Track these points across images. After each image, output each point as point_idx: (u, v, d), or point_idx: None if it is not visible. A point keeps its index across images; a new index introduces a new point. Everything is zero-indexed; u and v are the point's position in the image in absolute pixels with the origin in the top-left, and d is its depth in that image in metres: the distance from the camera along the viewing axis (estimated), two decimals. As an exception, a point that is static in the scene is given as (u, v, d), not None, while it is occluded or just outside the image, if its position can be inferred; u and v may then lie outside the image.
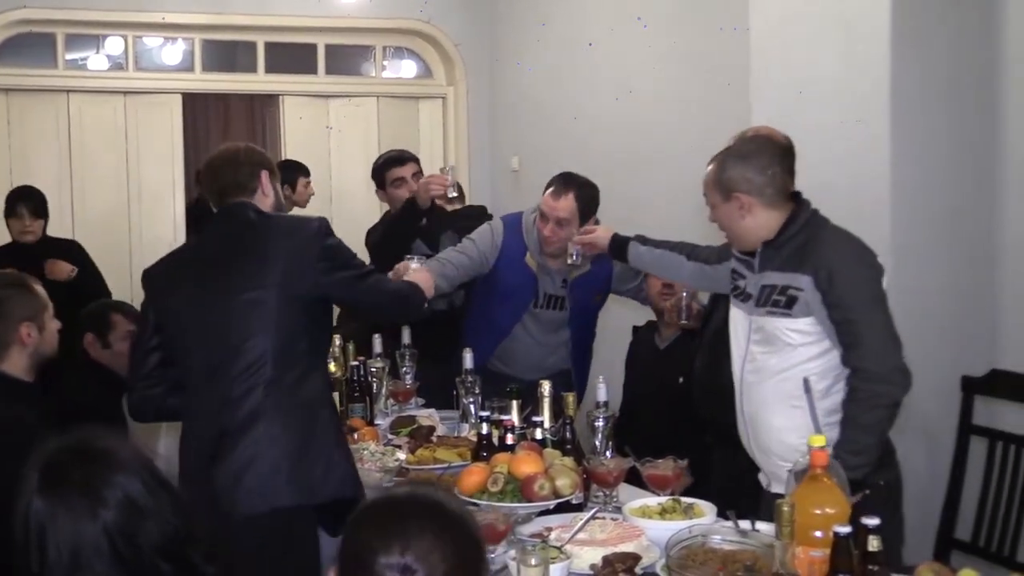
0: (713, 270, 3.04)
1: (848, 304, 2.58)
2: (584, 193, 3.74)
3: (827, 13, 3.87)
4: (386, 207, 4.69)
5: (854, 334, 2.58)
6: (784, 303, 2.65)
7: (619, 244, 3.27)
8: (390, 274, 3.27)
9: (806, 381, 2.64)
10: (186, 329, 2.74)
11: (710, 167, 2.77)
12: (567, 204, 3.69)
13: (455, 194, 4.11)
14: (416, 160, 4.62)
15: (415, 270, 3.29)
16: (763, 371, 2.73)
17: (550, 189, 3.75)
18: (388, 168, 4.53)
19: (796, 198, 2.75)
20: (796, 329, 2.64)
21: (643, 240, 3.23)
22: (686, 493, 2.70)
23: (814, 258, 2.62)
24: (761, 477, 2.87)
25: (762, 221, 2.71)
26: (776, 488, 2.76)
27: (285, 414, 2.61)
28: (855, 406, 2.59)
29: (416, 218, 4.15)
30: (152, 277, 2.86)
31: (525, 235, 3.86)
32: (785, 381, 2.68)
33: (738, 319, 2.82)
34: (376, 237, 4.46)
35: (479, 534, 1.59)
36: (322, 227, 2.70)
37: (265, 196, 2.81)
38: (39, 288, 3.20)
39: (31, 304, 3.13)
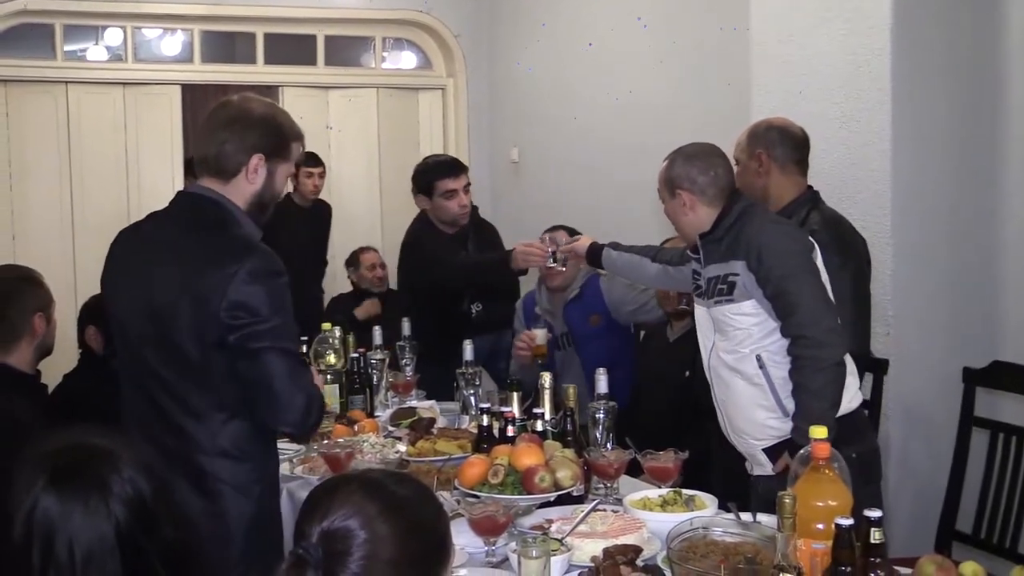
0: (676, 271, 3.18)
1: (777, 277, 2.72)
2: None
3: (828, 7, 3.87)
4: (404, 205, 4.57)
5: (787, 305, 2.71)
6: (726, 290, 2.80)
7: (595, 251, 3.49)
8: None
9: (759, 358, 2.77)
10: (121, 354, 2.46)
11: (662, 165, 2.93)
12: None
13: (560, 267, 3.86)
14: (466, 170, 4.33)
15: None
16: (723, 356, 2.86)
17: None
18: (439, 177, 4.20)
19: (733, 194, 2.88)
20: (741, 313, 2.78)
21: (615, 246, 3.44)
22: (687, 485, 2.70)
23: (744, 243, 2.77)
24: (747, 465, 2.93)
25: (703, 216, 2.87)
26: (758, 471, 2.87)
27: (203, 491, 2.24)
28: (800, 373, 2.71)
29: (503, 278, 4.18)
30: (108, 267, 2.50)
31: (536, 295, 4.19)
32: (742, 360, 2.81)
33: (701, 315, 2.96)
34: (427, 251, 4.24)
35: (433, 516, 1.53)
36: (242, 272, 2.21)
37: (249, 183, 2.37)
38: (45, 282, 3.26)
39: (41, 296, 3.21)
